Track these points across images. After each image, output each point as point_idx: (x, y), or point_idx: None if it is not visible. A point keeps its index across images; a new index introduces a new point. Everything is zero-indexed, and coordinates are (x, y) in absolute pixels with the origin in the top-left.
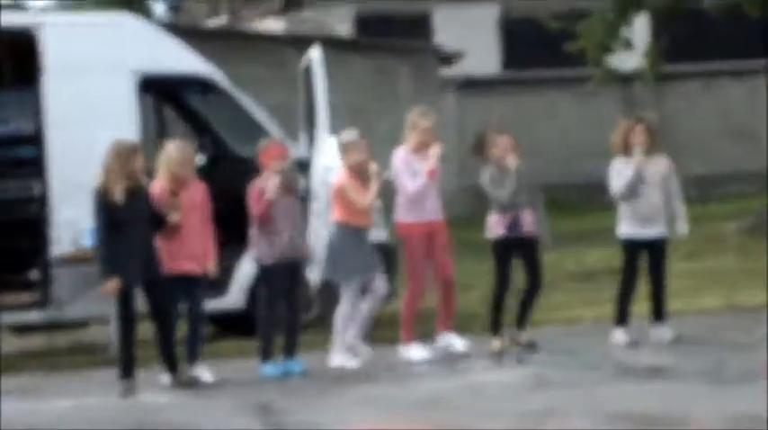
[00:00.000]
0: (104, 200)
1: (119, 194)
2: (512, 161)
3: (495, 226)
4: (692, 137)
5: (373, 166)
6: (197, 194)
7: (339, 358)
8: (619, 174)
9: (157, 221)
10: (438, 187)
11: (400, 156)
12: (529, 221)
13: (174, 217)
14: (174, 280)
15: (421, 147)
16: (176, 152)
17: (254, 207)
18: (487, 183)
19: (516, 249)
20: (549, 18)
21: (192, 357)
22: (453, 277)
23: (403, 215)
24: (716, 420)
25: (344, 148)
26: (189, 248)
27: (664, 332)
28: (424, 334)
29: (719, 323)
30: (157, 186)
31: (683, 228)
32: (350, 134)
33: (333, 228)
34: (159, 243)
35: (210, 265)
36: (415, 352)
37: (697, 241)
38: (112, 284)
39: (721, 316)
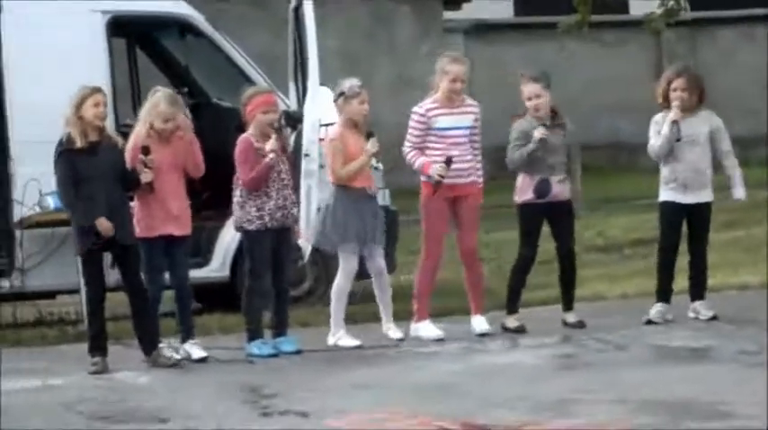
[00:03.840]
0: (62, 149)
1: (74, 142)
2: (536, 133)
3: (522, 188)
4: (728, 92)
5: (369, 145)
6: (181, 150)
7: (335, 336)
8: (658, 131)
9: (129, 179)
10: (473, 147)
11: (420, 109)
12: (559, 187)
13: (145, 177)
14: (152, 244)
15: (450, 97)
16: (163, 104)
17: (245, 170)
18: (512, 139)
19: (545, 216)
20: None
21: (187, 333)
22: (474, 250)
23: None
24: (758, 407)
25: (341, 98)
26: (167, 209)
27: (703, 310)
28: (442, 311)
29: (763, 301)
30: (132, 140)
31: (739, 192)
32: (349, 81)
33: (331, 188)
34: (137, 204)
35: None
36: (425, 330)
37: (736, 209)
38: (104, 223)
39: (764, 293)
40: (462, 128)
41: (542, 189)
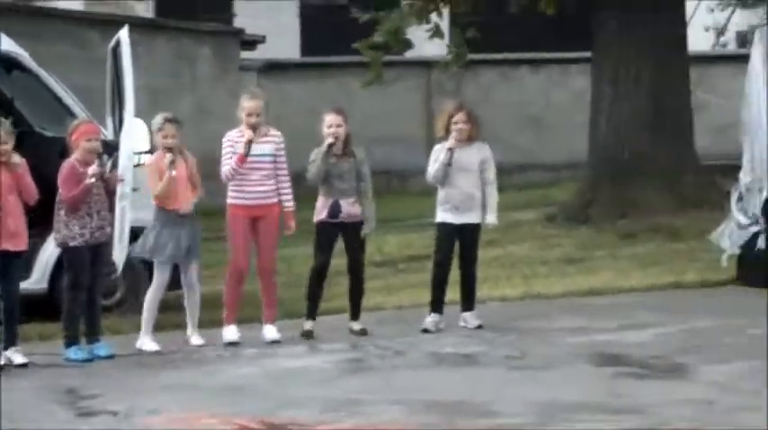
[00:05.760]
0: None
1: None
2: (327, 141)
3: (319, 209)
4: (489, 125)
5: (167, 157)
6: (16, 173)
7: (140, 340)
8: (436, 159)
9: None
10: (278, 173)
11: (228, 137)
12: (349, 208)
13: None
14: None
15: (249, 129)
16: None
17: (68, 189)
18: (310, 160)
19: (339, 233)
20: (351, 6)
21: (11, 340)
22: (271, 267)
23: (228, 195)
24: (521, 406)
25: (155, 130)
26: (6, 227)
27: (471, 320)
28: (247, 318)
29: (521, 311)
30: None
31: (491, 218)
32: (158, 116)
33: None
34: None
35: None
36: (228, 334)
37: (496, 229)
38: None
39: (522, 304)
40: (263, 155)
41: (334, 210)
